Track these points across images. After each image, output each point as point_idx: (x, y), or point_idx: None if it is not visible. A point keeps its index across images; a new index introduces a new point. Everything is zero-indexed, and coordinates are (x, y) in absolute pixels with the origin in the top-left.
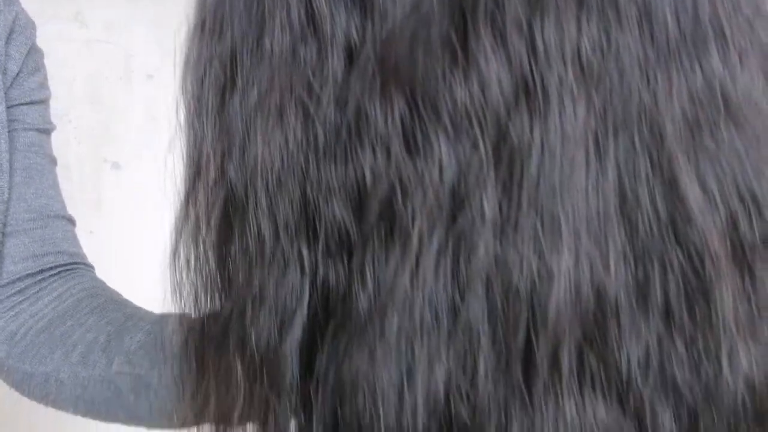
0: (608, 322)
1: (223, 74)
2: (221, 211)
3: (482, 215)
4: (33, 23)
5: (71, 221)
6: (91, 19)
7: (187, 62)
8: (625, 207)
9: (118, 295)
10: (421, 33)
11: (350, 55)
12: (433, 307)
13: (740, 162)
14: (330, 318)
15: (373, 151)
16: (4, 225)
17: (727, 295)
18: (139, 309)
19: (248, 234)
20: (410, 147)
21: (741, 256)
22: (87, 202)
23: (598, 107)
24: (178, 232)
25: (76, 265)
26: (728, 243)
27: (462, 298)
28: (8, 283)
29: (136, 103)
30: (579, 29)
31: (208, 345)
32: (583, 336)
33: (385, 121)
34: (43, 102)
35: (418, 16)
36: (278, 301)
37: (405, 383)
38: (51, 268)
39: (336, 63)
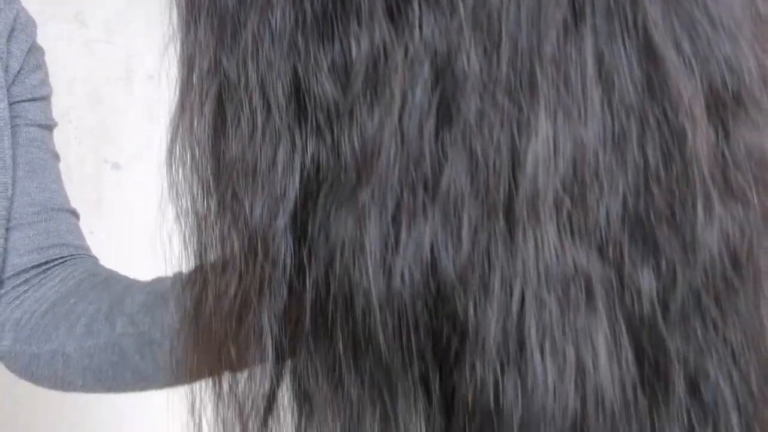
0: (586, 175)
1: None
2: (215, 97)
3: (464, 75)
4: (33, 21)
5: (75, 214)
6: (91, 19)
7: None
8: (603, 67)
9: (119, 273)
10: None
11: None
12: (417, 164)
13: (714, 26)
14: (321, 189)
15: (358, 22)
16: (8, 220)
17: (702, 149)
18: (138, 280)
19: (241, 115)
20: (393, 15)
21: (715, 114)
22: (87, 202)
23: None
24: (174, 130)
25: (80, 255)
26: (703, 101)
27: (445, 156)
28: (14, 275)
29: (136, 103)
30: None
31: (205, 226)
32: (563, 188)
33: None
34: (45, 99)
35: None
36: (271, 175)
37: (392, 240)
38: (56, 260)
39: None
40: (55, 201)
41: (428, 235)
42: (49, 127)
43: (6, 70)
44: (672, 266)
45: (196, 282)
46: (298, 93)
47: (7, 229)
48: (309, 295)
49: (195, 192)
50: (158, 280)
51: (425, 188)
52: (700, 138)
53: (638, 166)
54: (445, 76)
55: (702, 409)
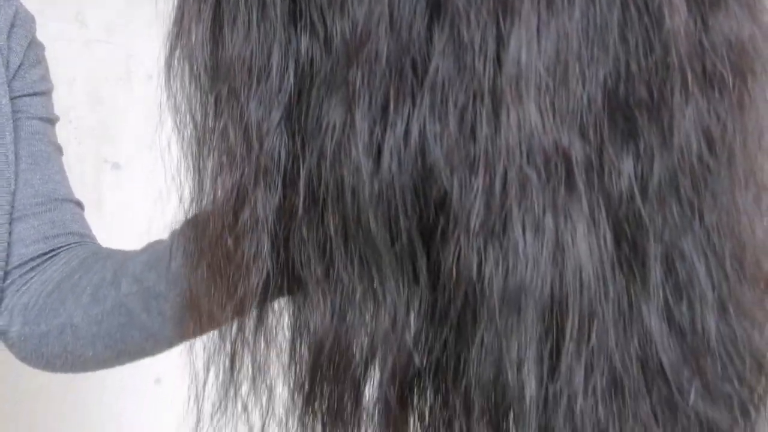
0: (569, 59)
1: None
2: (213, 2)
3: None
4: (32, 17)
5: (80, 205)
6: (91, 19)
7: None
8: None
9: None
10: None
11: None
12: (406, 50)
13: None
14: (314, 81)
15: None
16: (11, 213)
17: (680, 37)
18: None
19: (237, 15)
20: None
21: (695, 4)
22: (87, 202)
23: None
24: (173, 43)
25: (85, 243)
26: None
27: (433, 42)
28: (21, 264)
29: (136, 103)
30: None
31: (203, 127)
32: (545, 71)
33: None
34: (46, 93)
35: None
36: (267, 71)
37: (381, 124)
38: (61, 247)
39: None
40: (59, 192)
41: (416, 117)
42: (51, 120)
43: (7, 66)
44: (650, 149)
45: (195, 188)
46: None
47: (11, 221)
48: (302, 182)
49: (193, 96)
50: (157, 242)
51: (414, 73)
52: (679, 26)
53: (619, 53)
54: None
55: (677, 287)
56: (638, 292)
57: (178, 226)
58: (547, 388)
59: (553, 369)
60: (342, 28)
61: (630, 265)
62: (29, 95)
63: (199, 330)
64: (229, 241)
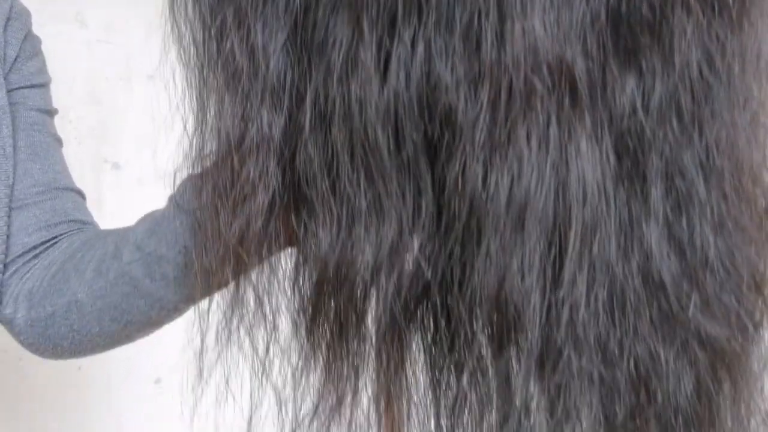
0: None
1: None
2: None
3: None
4: (28, 11)
5: (81, 194)
6: (91, 19)
7: None
8: None
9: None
10: None
11: None
12: None
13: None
14: (318, 1)
15: None
16: (9, 207)
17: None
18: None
19: None
20: None
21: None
22: (87, 202)
23: None
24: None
25: (87, 228)
26: None
27: None
28: (24, 253)
29: (136, 103)
30: None
31: (208, 53)
32: None
33: None
34: (44, 86)
35: None
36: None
37: (387, 42)
38: (63, 234)
39: None
40: (60, 181)
41: (422, 33)
42: (49, 112)
43: (3, 59)
44: (652, 66)
45: (199, 117)
46: None
47: (9, 214)
48: (309, 100)
49: (198, 21)
50: (156, 210)
51: (421, 13)
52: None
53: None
54: None
55: (677, 203)
56: (639, 207)
57: (177, 189)
58: (549, 299)
59: (556, 279)
60: None
61: (631, 179)
62: (27, 87)
63: (206, 289)
64: (235, 161)
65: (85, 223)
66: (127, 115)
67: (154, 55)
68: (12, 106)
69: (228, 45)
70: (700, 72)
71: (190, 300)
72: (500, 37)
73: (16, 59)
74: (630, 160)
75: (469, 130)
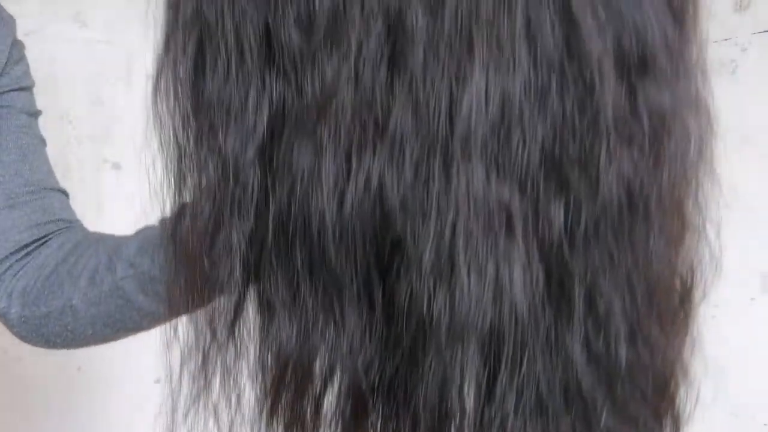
0: (512, 121)
1: None
2: (196, 40)
3: (412, 31)
4: (13, 18)
5: (65, 194)
6: (91, 19)
7: None
8: (530, 29)
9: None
10: None
11: None
12: (369, 106)
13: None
14: (285, 125)
15: None
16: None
17: (609, 102)
18: (129, 234)
19: (218, 58)
20: None
21: (623, 70)
22: (87, 202)
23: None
24: (160, 66)
25: (74, 228)
26: (613, 60)
27: (393, 100)
28: (17, 250)
29: (136, 103)
30: None
31: (185, 154)
32: (491, 131)
33: None
34: (29, 89)
35: None
36: (243, 112)
37: (345, 171)
38: (52, 233)
39: None
40: (47, 182)
41: (376, 167)
42: (35, 114)
43: None
44: (579, 201)
45: (178, 211)
46: (268, 40)
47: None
48: (272, 217)
49: (176, 124)
50: (148, 227)
51: (375, 127)
52: (608, 93)
53: (556, 115)
54: (396, 30)
55: (597, 321)
56: (564, 326)
57: (167, 215)
58: (483, 410)
59: (490, 393)
60: (312, 80)
61: (558, 302)
62: (16, 90)
63: (189, 310)
64: (206, 263)
65: (71, 221)
66: (127, 115)
67: (154, 55)
68: (2, 109)
69: (202, 153)
70: (620, 204)
71: (179, 315)
72: (446, 177)
73: (5, 64)
74: (557, 284)
75: (416, 260)
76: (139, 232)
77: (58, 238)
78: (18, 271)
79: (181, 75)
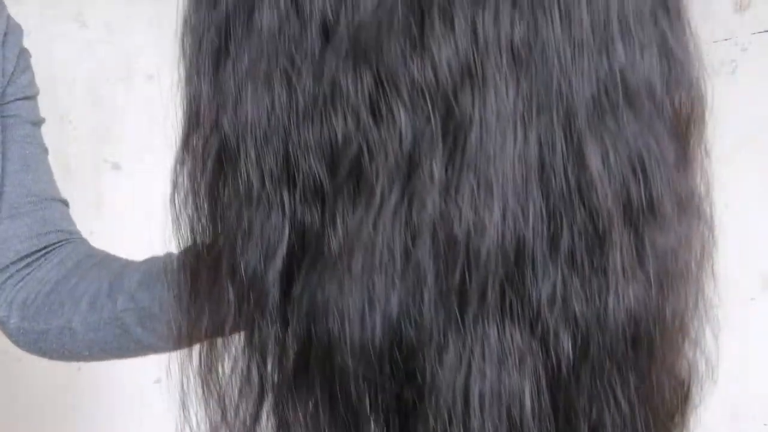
0: (525, 266)
1: (218, 40)
2: (215, 158)
3: (431, 177)
4: (20, 27)
5: (65, 203)
6: (92, 19)
7: (185, 24)
8: (543, 173)
9: (111, 254)
10: (386, 21)
11: (326, 33)
12: (390, 249)
13: (635, 140)
14: (305, 253)
15: (345, 117)
16: (0, 209)
17: (617, 247)
18: (133, 260)
19: (239, 180)
20: (376, 116)
21: (630, 217)
22: (87, 202)
23: (525, 90)
24: (177, 172)
25: (74, 240)
26: (621, 206)
27: (413, 243)
28: (17, 260)
29: (136, 103)
30: (512, 24)
31: (203, 271)
32: (505, 276)
33: (356, 93)
34: (34, 97)
35: (385, 7)
36: (263, 237)
37: (366, 309)
38: (53, 244)
39: (314, 40)
40: (48, 192)
41: (396, 308)
42: (39, 123)
43: (2, 74)
44: (586, 340)
45: (194, 311)
46: (289, 167)
47: (0, 219)
48: (291, 343)
49: (196, 232)
50: (152, 260)
51: (395, 270)
52: (617, 240)
53: (567, 260)
54: (414, 177)
55: None
56: None
57: (174, 249)
58: None
59: None
60: (334, 223)
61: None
62: (21, 99)
63: (191, 344)
64: (227, 366)
65: (72, 232)
66: (127, 115)
67: (154, 55)
68: (8, 119)
69: (222, 272)
70: (626, 338)
71: (178, 347)
72: (461, 322)
73: (12, 73)
74: (564, 420)
75: (432, 397)
76: (142, 264)
77: (59, 253)
78: (19, 282)
79: (200, 186)
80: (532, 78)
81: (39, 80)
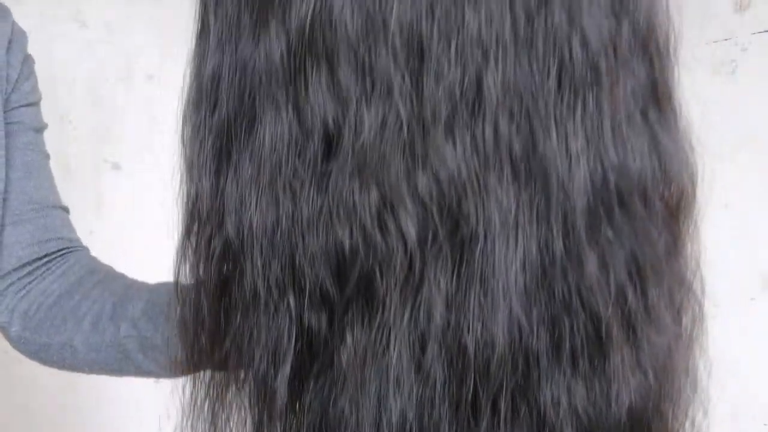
0: (532, 373)
1: (219, 143)
2: (220, 257)
3: (439, 290)
4: (25, 33)
5: (66, 210)
6: (91, 19)
7: (184, 121)
8: (545, 280)
9: (114, 269)
10: (391, 140)
11: (329, 144)
12: (401, 363)
13: (630, 244)
14: (314, 359)
15: (351, 230)
16: (3, 216)
17: (617, 349)
18: (134, 280)
19: (244, 286)
20: (383, 229)
21: (629, 320)
22: (87, 202)
23: (525, 201)
24: (180, 263)
25: (75, 248)
26: (619, 310)
27: (423, 356)
28: (19, 267)
29: (136, 103)
30: (510, 138)
31: (212, 360)
32: (515, 385)
33: (362, 207)
34: (37, 103)
35: (389, 126)
36: (270, 341)
37: (382, 420)
38: (54, 252)
39: (317, 151)
40: (50, 199)
41: (410, 422)
42: (41, 129)
43: (6, 80)
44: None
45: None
46: (295, 274)
47: (3, 226)
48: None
49: (201, 332)
50: (156, 289)
51: (407, 384)
52: (616, 343)
53: (570, 362)
54: (422, 289)
55: None
56: None
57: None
58: None
59: None
60: (343, 341)
61: None
62: (25, 106)
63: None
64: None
65: (72, 240)
66: (127, 115)
67: (154, 55)
68: (12, 126)
69: (230, 374)
70: (631, 427)
71: (178, 376)
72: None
73: (17, 80)
74: None
75: None
76: (146, 292)
77: (62, 264)
78: (21, 290)
79: (203, 286)
80: (532, 189)
81: (39, 80)
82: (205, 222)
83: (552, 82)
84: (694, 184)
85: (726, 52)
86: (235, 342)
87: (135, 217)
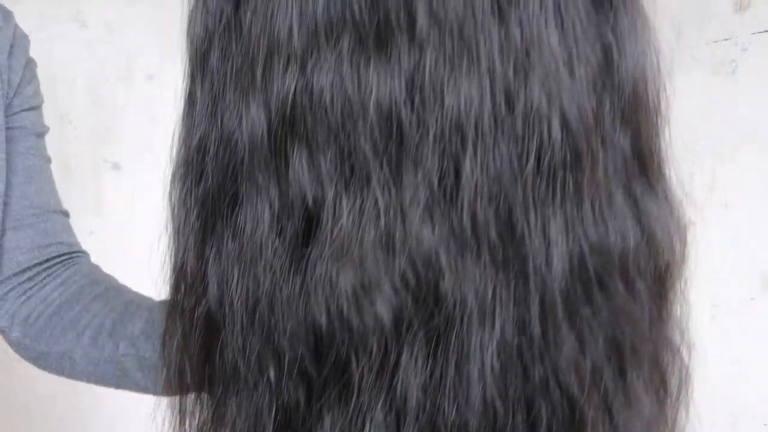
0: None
1: (205, 214)
2: (202, 328)
3: (414, 374)
4: (27, 36)
5: (66, 214)
6: (91, 20)
7: (171, 189)
8: (522, 361)
9: (115, 280)
10: (368, 230)
11: (309, 226)
12: None
13: (608, 324)
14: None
15: (328, 311)
16: (3, 221)
17: (594, 429)
18: (135, 295)
19: (225, 358)
20: (360, 312)
21: (606, 402)
22: (87, 202)
23: (503, 282)
24: (169, 323)
25: (75, 253)
26: (597, 391)
27: None
28: (19, 272)
29: (136, 103)
30: (487, 220)
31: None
32: None
33: (341, 290)
34: (39, 108)
35: (367, 216)
36: (250, 416)
37: None
38: (54, 257)
39: (298, 231)
40: (50, 203)
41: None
42: (43, 134)
43: (8, 84)
44: None
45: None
46: (275, 349)
47: (4, 230)
48: None
49: (186, 391)
50: (156, 308)
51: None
52: (593, 422)
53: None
54: (397, 371)
55: None
56: None
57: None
58: None
59: None
60: (322, 421)
61: None
62: (27, 110)
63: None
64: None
65: (72, 245)
66: (127, 115)
67: (154, 55)
68: (14, 130)
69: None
70: None
71: (177, 395)
72: None
73: (19, 84)
74: None
75: None
76: (146, 310)
77: (62, 271)
78: (21, 295)
79: (188, 365)
80: (510, 272)
81: (39, 80)
82: (190, 287)
83: (531, 166)
84: (684, 246)
85: (726, 52)
86: (218, 410)
87: (135, 217)
